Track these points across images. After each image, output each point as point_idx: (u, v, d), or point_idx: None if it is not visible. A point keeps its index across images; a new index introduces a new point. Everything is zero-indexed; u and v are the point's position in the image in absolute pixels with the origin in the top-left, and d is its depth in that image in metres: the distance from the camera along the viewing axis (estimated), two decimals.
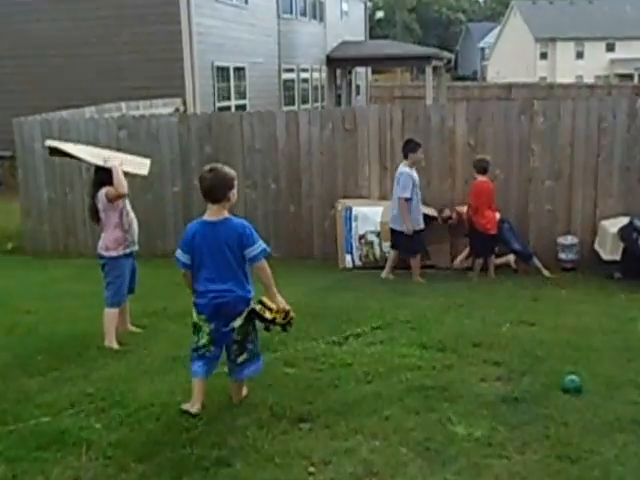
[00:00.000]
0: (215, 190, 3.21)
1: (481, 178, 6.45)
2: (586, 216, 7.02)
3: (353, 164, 7.58)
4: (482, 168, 6.43)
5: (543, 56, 44.64)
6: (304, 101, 18.36)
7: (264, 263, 3.23)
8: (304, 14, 18.03)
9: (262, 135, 7.67)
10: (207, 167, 3.29)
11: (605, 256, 6.51)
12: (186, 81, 12.12)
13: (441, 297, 5.45)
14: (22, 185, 8.56)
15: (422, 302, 5.25)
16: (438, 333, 4.29)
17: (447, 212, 7.03)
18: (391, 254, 6.70)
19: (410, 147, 6.48)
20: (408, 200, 6.31)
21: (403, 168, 6.45)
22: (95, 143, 8.02)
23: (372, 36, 34.88)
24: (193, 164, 7.93)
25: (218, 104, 13.37)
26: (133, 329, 4.59)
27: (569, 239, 6.93)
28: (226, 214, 3.26)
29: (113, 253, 4.32)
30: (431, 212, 7.04)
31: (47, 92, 12.25)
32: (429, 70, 19.67)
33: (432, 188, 7.35)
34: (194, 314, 3.24)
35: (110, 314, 4.28)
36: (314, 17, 18.86)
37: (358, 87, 24.43)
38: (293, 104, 17.58)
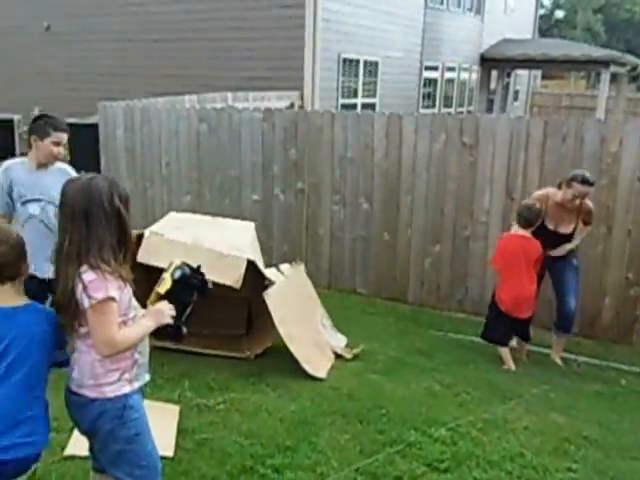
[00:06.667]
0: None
1: (521, 231, 4.54)
2: None
3: (469, 190, 5.86)
4: (525, 220, 4.53)
5: None
6: (447, 104, 16.49)
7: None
8: (458, 5, 16.10)
9: (356, 142, 6.22)
10: None
11: None
12: (305, 73, 10.97)
13: (557, 414, 3.61)
14: (104, 174, 7.95)
15: (528, 414, 3.50)
16: None
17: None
18: None
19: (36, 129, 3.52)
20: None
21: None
22: (176, 135, 7.24)
23: (546, 37, 31.64)
24: (275, 170, 6.73)
25: (342, 100, 12.10)
26: None
27: None
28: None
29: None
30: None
31: (159, 77, 11.86)
32: (605, 77, 16.79)
33: None
34: None
35: None
36: (470, 9, 16.83)
37: (517, 92, 21.83)
38: (433, 107, 15.82)
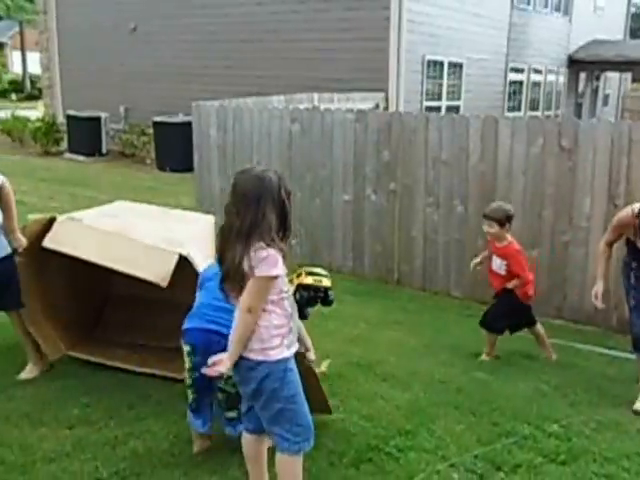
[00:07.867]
0: None
1: (510, 237, 4.73)
2: None
3: (568, 195, 5.91)
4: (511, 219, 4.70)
5: None
6: (533, 108, 16.33)
7: None
8: (546, 5, 15.95)
9: (451, 144, 6.38)
10: None
11: None
12: (390, 75, 11.23)
13: None
14: (197, 172, 8.48)
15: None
16: None
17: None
18: None
19: None
20: None
21: None
22: (268, 134, 7.63)
23: (638, 37, 30.63)
24: (367, 171, 6.99)
25: (426, 103, 12.27)
26: None
27: None
28: None
29: None
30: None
31: (242, 78, 12.38)
32: None
33: None
34: None
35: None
36: (557, 10, 16.64)
37: (607, 96, 21.31)
38: (519, 110, 15.72)
